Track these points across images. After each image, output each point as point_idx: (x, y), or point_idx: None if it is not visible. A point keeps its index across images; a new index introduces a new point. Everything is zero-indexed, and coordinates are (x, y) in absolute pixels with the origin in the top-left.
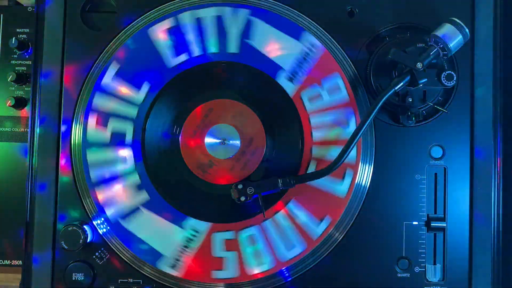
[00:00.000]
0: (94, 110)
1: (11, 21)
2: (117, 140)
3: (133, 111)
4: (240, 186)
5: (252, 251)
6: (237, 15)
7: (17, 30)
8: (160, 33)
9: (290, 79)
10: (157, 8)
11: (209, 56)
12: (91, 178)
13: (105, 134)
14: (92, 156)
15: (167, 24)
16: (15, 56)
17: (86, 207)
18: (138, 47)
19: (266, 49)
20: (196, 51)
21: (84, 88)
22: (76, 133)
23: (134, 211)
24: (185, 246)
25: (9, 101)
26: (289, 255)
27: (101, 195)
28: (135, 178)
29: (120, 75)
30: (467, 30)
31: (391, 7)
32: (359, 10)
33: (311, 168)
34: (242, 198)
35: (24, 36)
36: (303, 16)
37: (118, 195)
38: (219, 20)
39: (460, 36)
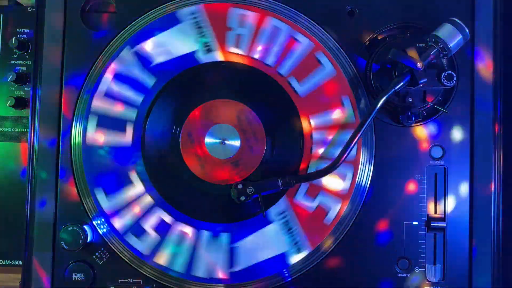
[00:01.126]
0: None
1: (11, 21)
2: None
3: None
4: (240, 186)
5: None
6: (124, 60)
7: (17, 30)
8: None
9: (209, 50)
10: (157, 8)
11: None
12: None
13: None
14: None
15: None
16: (15, 56)
17: (86, 207)
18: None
19: (170, 54)
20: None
21: (84, 88)
22: (76, 133)
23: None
24: (289, 229)
25: (9, 101)
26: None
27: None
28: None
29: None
30: (467, 30)
31: (391, 7)
32: (359, 10)
33: (312, 166)
34: (242, 198)
35: (24, 36)
36: (303, 15)
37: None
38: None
39: (460, 36)
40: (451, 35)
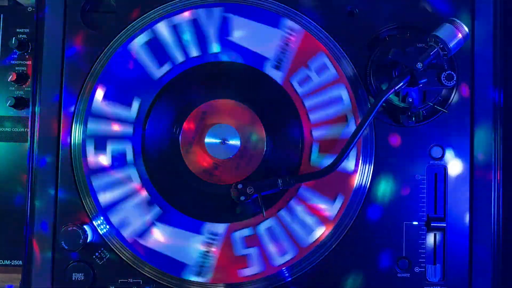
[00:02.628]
0: (90, 137)
1: (11, 21)
2: (118, 161)
3: (128, 130)
4: (239, 186)
5: (273, 243)
6: (211, 14)
7: (17, 30)
8: (139, 47)
9: (277, 67)
10: (157, 8)
11: (193, 60)
12: (101, 204)
13: (106, 156)
14: (97, 181)
15: (145, 37)
16: (15, 56)
17: (86, 207)
18: (121, 65)
19: (247, 43)
20: (179, 58)
21: (84, 88)
22: (77, 133)
23: (150, 227)
24: (207, 252)
25: (9, 101)
26: (310, 240)
27: (114, 217)
28: (144, 195)
29: (108, 96)
30: (467, 30)
31: (391, 7)
32: (359, 10)
33: (312, 166)
34: (242, 198)
35: (24, 36)
36: (303, 16)
37: (131, 215)
38: (196, 23)
39: (460, 36)
40: (451, 35)
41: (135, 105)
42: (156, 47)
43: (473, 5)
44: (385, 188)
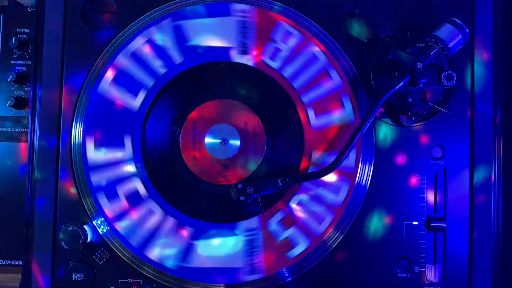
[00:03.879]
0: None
1: (11, 21)
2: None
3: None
4: (239, 186)
5: (308, 215)
6: (163, 28)
7: (17, 30)
8: (108, 87)
9: (244, 52)
10: (157, 8)
11: (162, 78)
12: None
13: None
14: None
15: (110, 74)
16: (15, 56)
17: (86, 207)
18: (100, 108)
19: (207, 41)
20: (148, 82)
21: (84, 89)
22: (76, 133)
23: (189, 248)
24: (251, 248)
25: (9, 101)
26: (340, 199)
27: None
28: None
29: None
30: (467, 30)
31: (391, 7)
32: (359, 10)
33: (312, 166)
34: (242, 198)
35: (24, 36)
36: (303, 16)
37: (167, 243)
38: (151, 42)
39: (460, 36)
40: (451, 35)
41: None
42: (124, 79)
43: (473, 5)
44: (385, 188)
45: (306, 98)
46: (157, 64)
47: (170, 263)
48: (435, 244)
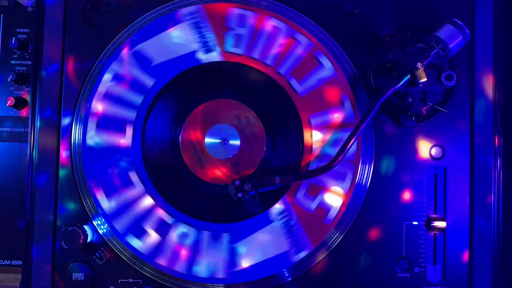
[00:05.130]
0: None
1: (11, 21)
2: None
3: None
4: (237, 183)
5: (330, 177)
6: (121, 59)
7: (17, 30)
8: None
9: (208, 50)
10: (157, 8)
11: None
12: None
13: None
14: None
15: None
16: (15, 56)
17: (86, 207)
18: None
19: (168, 54)
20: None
21: (84, 89)
22: (76, 134)
23: (232, 253)
24: (290, 229)
25: (9, 101)
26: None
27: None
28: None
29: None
30: (467, 31)
31: (391, 7)
32: (359, 10)
33: (311, 166)
34: (239, 195)
35: (24, 36)
36: (303, 16)
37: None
38: (117, 76)
39: (461, 37)
40: (451, 36)
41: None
42: (107, 122)
43: (473, 5)
44: (385, 188)
45: (282, 70)
46: (131, 95)
47: (220, 275)
48: (435, 244)
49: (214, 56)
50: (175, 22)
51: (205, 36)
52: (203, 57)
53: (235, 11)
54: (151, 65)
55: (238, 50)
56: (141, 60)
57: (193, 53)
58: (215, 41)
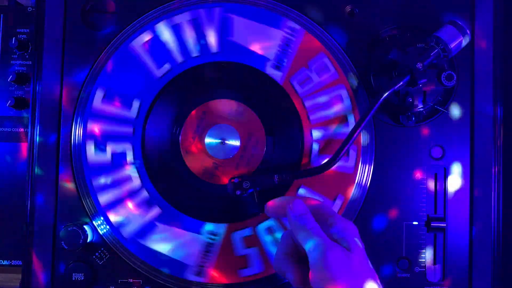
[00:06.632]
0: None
1: (11, 21)
2: (119, 160)
3: (128, 130)
4: (236, 181)
5: (273, 243)
6: (212, 15)
7: (17, 30)
8: (140, 47)
9: (277, 67)
10: (156, 8)
11: (193, 60)
12: (100, 203)
13: (106, 157)
14: (97, 180)
15: (145, 36)
16: (15, 56)
17: (86, 207)
18: (122, 64)
19: (248, 43)
20: (179, 58)
21: (84, 89)
22: (76, 134)
23: (150, 227)
24: (207, 251)
25: (9, 101)
26: None
27: (113, 216)
28: (144, 195)
29: (109, 96)
30: (468, 31)
31: (392, 7)
32: (359, 10)
33: (311, 165)
34: (238, 192)
35: (24, 36)
36: (303, 16)
37: (131, 215)
38: (196, 23)
39: (461, 38)
40: (452, 37)
41: (135, 105)
42: (156, 47)
43: (473, 5)
44: (385, 188)
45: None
46: (191, 47)
47: (126, 233)
48: (435, 244)
49: (277, 76)
50: (274, 23)
51: (286, 54)
52: (269, 68)
53: (324, 58)
54: (227, 37)
55: (299, 89)
56: (225, 26)
57: (265, 58)
58: (288, 67)
